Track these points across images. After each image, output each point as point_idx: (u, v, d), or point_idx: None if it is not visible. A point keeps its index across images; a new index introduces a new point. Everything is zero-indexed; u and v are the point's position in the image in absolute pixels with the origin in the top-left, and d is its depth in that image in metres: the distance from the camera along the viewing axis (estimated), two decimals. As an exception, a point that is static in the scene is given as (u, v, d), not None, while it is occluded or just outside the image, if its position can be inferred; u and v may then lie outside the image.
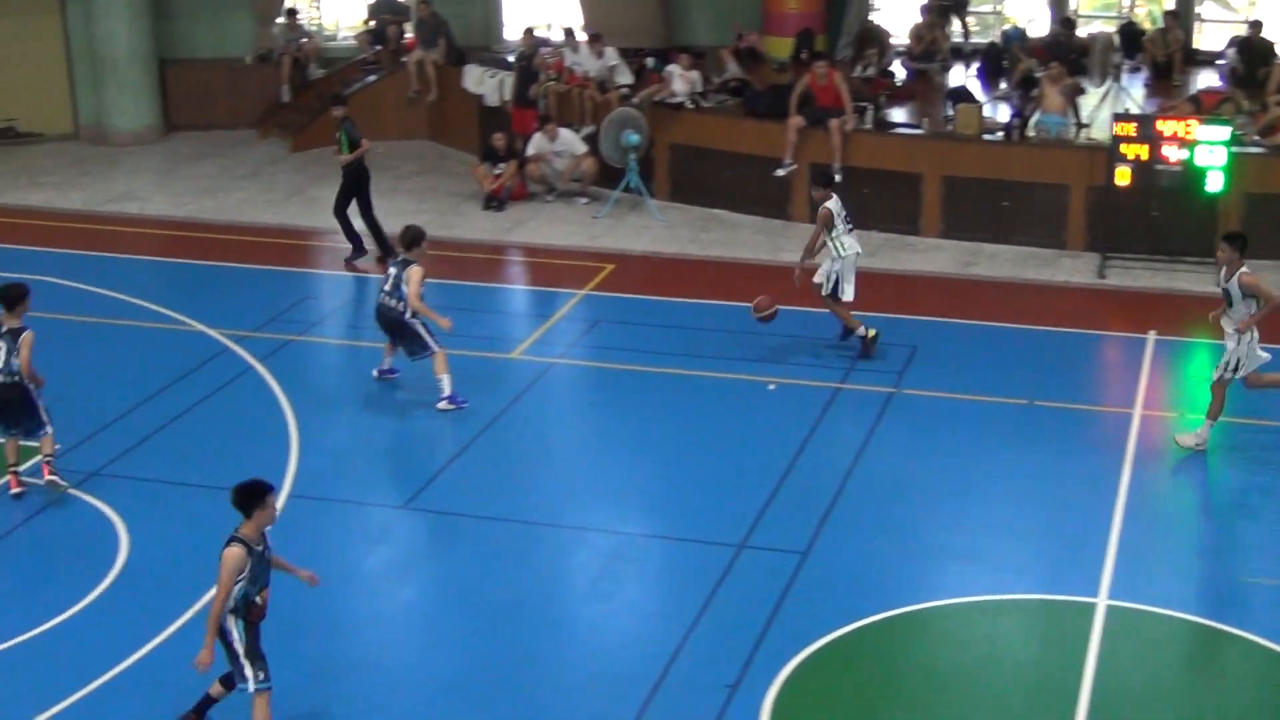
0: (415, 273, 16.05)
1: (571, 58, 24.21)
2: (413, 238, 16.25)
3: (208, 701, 11.12)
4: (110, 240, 21.64)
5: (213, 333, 18.15)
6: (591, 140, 22.95)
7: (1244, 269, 14.78)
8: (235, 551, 10.45)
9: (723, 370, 17.10)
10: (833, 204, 17.20)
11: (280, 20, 27.34)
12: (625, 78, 23.91)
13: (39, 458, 14.39)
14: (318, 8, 29.09)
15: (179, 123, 26.86)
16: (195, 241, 21.61)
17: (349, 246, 20.61)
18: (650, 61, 24.49)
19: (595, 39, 24.26)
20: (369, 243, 20.69)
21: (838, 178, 19.68)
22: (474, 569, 13.34)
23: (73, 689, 11.58)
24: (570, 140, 23.03)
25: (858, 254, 17.35)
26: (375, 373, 16.96)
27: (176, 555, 13.41)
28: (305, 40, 27.26)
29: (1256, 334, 14.93)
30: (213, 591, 10.55)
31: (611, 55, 23.94)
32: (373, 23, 27.53)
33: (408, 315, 16.08)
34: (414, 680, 11.87)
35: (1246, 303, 14.80)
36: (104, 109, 26.18)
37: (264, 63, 27.18)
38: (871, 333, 17.27)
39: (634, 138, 22.18)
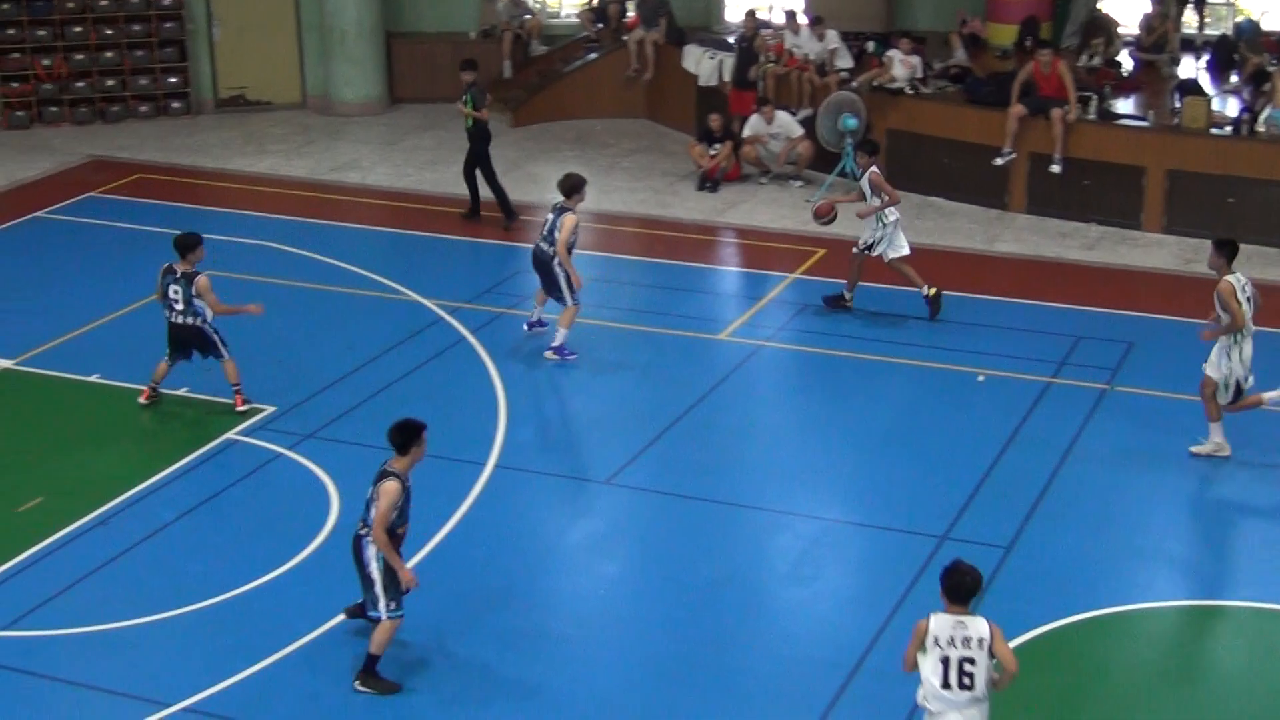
0: (568, 220, 16.39)
1: (792, 40, 24.08)
2: (571, 186, 16.55)
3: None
4: (332, 208, 22.07)
5: (428, 303, 18.43)
6: (808, 123, 22.80)
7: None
8: (393, 486, 11.08)
9: (932, 359, 16.89)
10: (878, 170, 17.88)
11: (504, -3, 27.63)
12: (845, 61, 23.70)
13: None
14: (542, -15, 29.34)
15: (402, 95, 27.30)
16: (414, 212, 21.95)
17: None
18: (871, 46, 24.24)
19: (817, 22, 24.09)
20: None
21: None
22: (674, 547, 13.37)
23: (282, 644, 11.87)
24: (787, 123, 22.92)
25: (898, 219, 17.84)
26: (525, 326, 17.34)
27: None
28: (528, 17, 27.50)
29: None
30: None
31: (833, 38, 23.76)
32: (595, 1, 27.66)
33: (556, 261, 16.36)
34: (611, 655, 11.95)
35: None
36: (331, 80, 26.72)
37: (487, 38, 27.50)
38: (850, 296, 18.09)
39: (852, 122, 21.99)
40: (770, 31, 24.75)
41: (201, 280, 15.38)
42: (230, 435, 15.18)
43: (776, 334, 17.64)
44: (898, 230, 17.90)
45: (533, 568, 13.10)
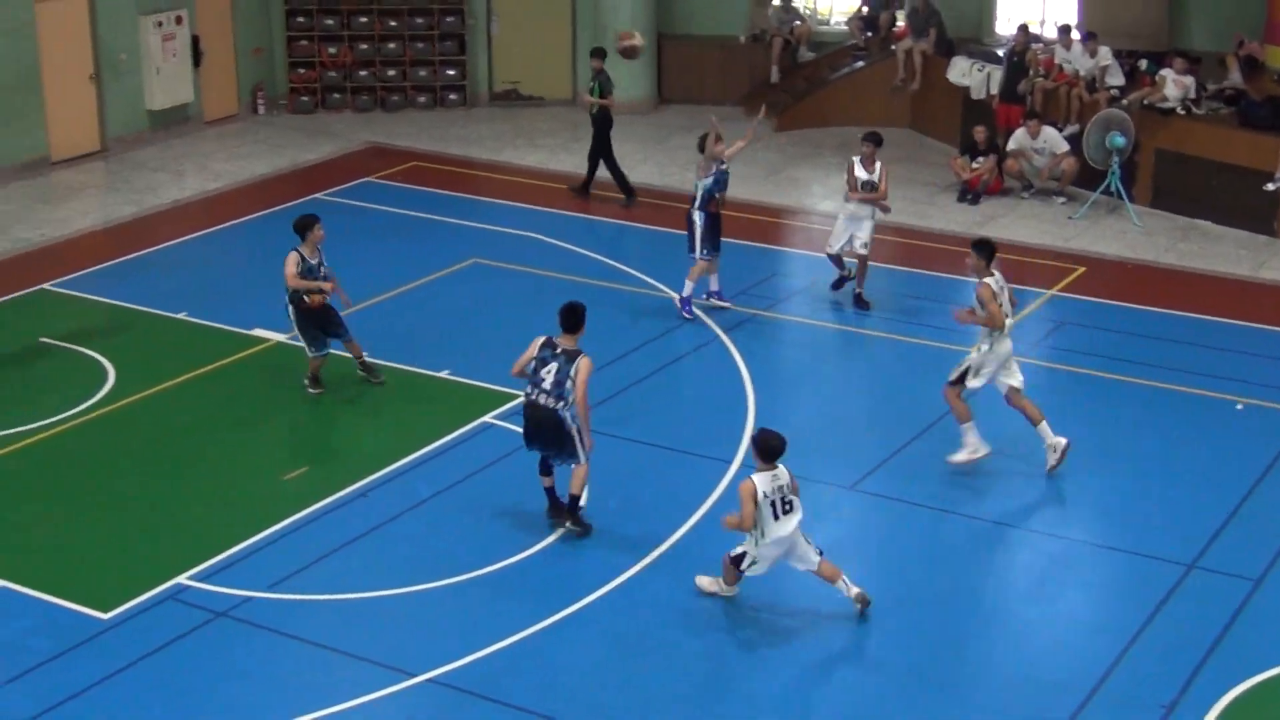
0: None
1: (1063, 55, 23.66)
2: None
3: (555, 497, 13.50)
4: (595, 204, 22.35)
5: (707, 299, 18.51)
6: (1074, 140, 22.40)
7: None
8: (589, 362, 13.04)
9: (1188, 384, 16.48)
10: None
11: (776, 2, 27.68)
12: (1116, 79, 23.21)
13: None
14: (813, -9, 29.33)
15: (670, 95, 27.54)
16: (675, 211, 22.05)
17: (808, 227, 20.83)
18: (1143, 64, 23.69)
19: (1090, 38, 23.63)
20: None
21: None
22: (914, 557, 13.28)
23: (526, 623, 12.11)
24: (1053, 138, 22.54)
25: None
26: (704, 296, 18.11)
27: (635, 506, 13.84)
28: (798, 23, 27.50)
29: None
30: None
31: (1105, 55, 23.28)
32: (866, 9, 27.54)
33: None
34: (841, 658, 11.93)
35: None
36: (602, 78, 27.06)
37: (756, 42, 27.58)
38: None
39: (1120, 140, 21.53)
40: (1041, 46, 24.36)
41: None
42: (487, 419, 15.50)
43: (1031, 349, 17.37)
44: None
45: (776, 567, 13.12)
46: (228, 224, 21.55)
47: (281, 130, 25.95)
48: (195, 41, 25.44)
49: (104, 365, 16.70)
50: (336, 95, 27.15)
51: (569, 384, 12.95)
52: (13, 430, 15.21)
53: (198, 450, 14.99)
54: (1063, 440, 14.62)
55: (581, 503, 13.39)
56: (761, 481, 11.95)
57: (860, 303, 18.54)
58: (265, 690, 11.42)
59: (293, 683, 11.51)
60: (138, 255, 19.91)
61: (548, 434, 13.25)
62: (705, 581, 12.58)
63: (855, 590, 12.24)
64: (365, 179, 23.43)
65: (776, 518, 12.00)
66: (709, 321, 18.01)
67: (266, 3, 26.83)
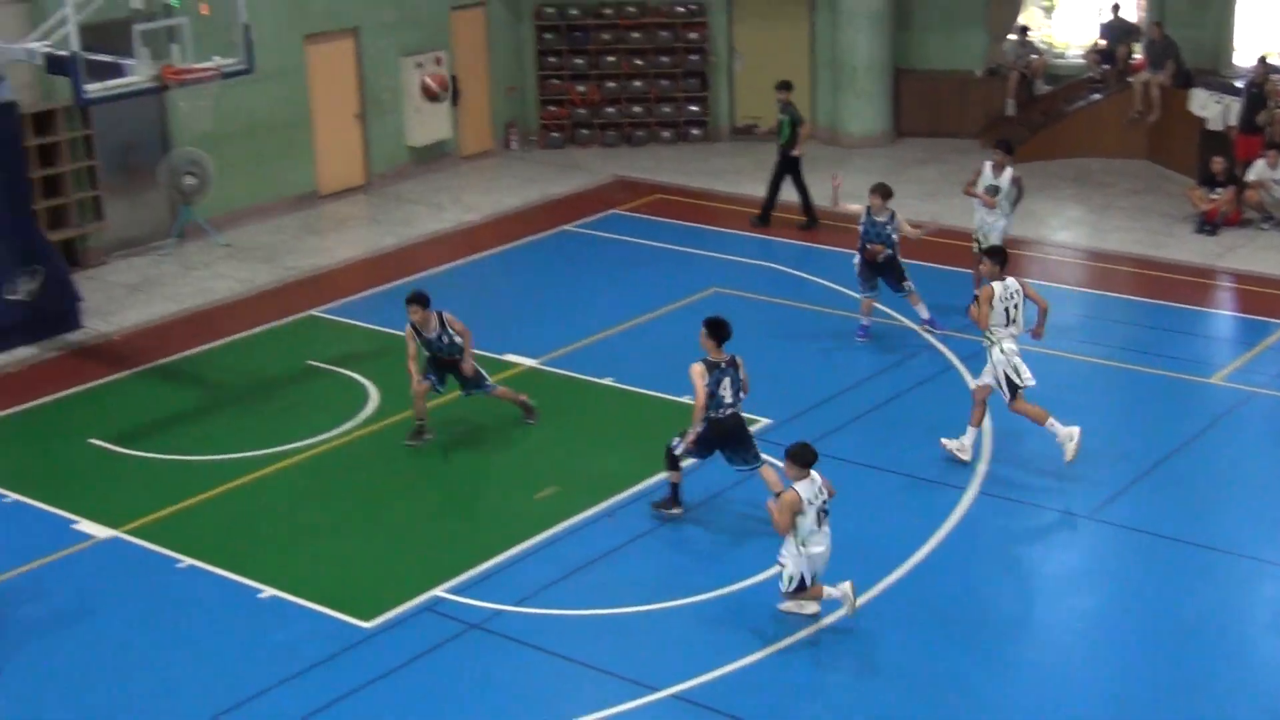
0: (901, 224, 17.71)
1: (1303, 86, 22.90)
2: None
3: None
4: (829, 235, 22.22)
5: (919, 329, 18.38)
6: (1317, 171, 21.64)
7: None
8: (699, 367, 13.56)
9: None
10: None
11: (1012, 37, 27.29)
12: (1359, 109, 22.39)
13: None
14: (1050, 26, 28.83)
15: (907, 129, 27.32)
16: (928, 245, 21.85)
17: (1043, 258, 20.42)
18: (1387, 94, 22.80)
19: (1332, 68, 22.85)
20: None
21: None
22: (1150, 587, 12.93)
23: (764, 643, 12.09)
24: (1292, 169, 21.83)
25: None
26: (919, 327, 18.06)
27: (868, 532, 13.71)
28: (1035, 57, 27.07)
29: None
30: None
31: (1347, 85, 22.47)
32: (1103, 42, 27.00)
33: (897, 252, 17.68)
34: (1077, 687, 11.66)
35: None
36: (839, 112, 27.00)
37: (992, 76, 27.23)
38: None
39: (1362, 171, 20.74)
40: (1280, 77, 23.61)
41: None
42: (727, 443, 15.52)
43: (1273, 381, 16.81)
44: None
45: (1010, 594, 12.92)
46: (481, 254, 21.98)
47: (532, 165, 26.40)
48: (453, 81, 26.04)
49: (366, 387, 17.16)
50: (585, 131, 27.53)
51: (741, 390, 13.78)
52: (284, 447, 15.71)
53: (453, 468, 15.31)
54: (1076, 429, 14.73)
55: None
56: (803, 490, 12.06)
57: None
58: (514, 700, 11.58)
59: (540, 694, 11.66)
60: (398, 283, 20.40)
61: (736, 438, 13.88)
62: (788, 605, 12.47)
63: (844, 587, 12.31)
64: (611, 211, 23.71)
65: (820, 525, 12.13)
66: (944, 350, 17.80)
67: (520, 44, 27.34)
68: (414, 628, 12.49)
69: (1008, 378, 14.75)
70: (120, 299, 20.21)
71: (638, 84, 27.39)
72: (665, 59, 27.25)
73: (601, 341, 18.34)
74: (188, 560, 13.59)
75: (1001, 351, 14.78)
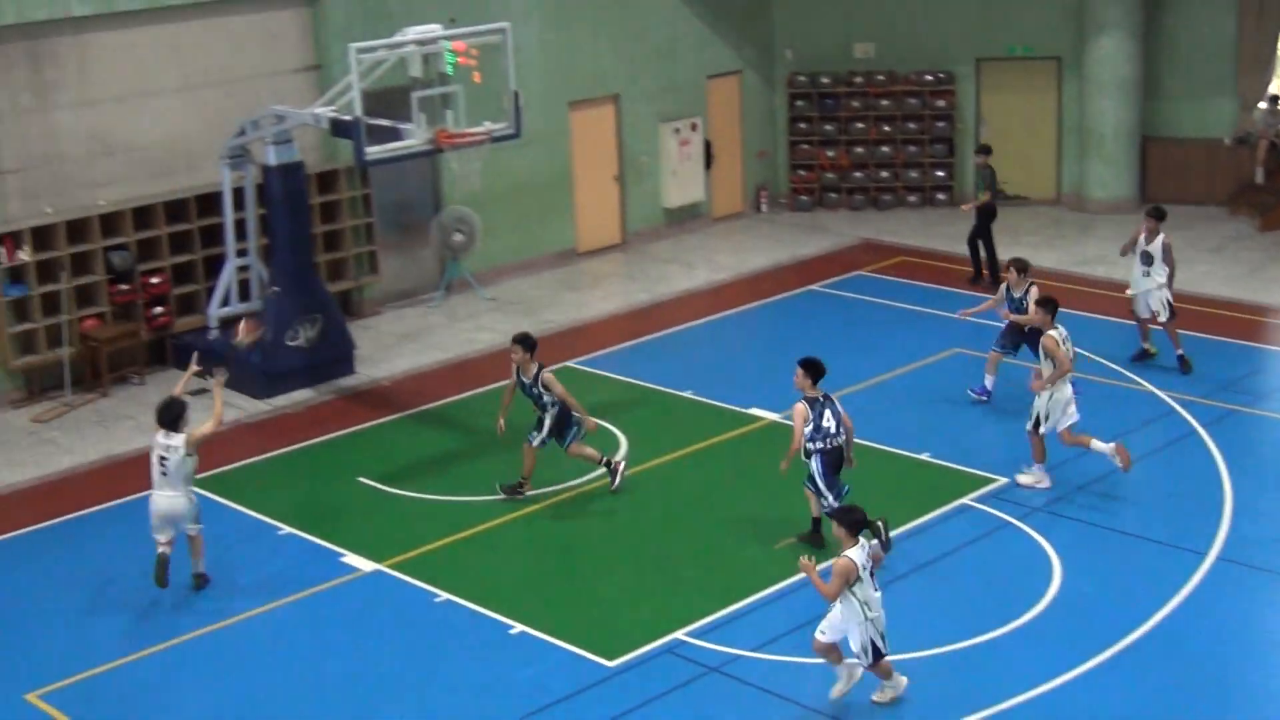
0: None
1: None
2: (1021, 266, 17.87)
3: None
4: (1075, 299, 21.79)
5: (1162, 394, 17.93)
6: None
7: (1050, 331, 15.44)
8: (801, 407, 14.09)
9: None
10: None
11: (1262, 105, 26.49)
12: None
13: None
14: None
15: (1153, 195, 26.63)
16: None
17: None
18: None
19: None
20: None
21: None
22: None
23: (993, 700, 11.88)
24: None
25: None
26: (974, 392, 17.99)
27: (1105, 596, 13.41)
28: (1285, 125, 26.25)
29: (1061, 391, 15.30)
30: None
31: None
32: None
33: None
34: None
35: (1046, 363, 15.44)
36: (1085, 179, 26.53)
37: (1241, 145, 26.44)
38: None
39: None
40: None
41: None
42: (966, 500, 15.36)
43: None
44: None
45: (1251, 663, 12.47)
46: (730, 311, 22.13)
47: (781, 227, 26.50)
48: (707, 146, 26.33)
49: (617, 436, 17.40)
50: (833, 195, 27.55)
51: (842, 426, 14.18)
52: (537, 491, 16.00)
53: (697, 515, 15.41)
54: (1112, 445, 15.23)
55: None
56: (857, 555, 11.66)
57: (1183, 365, 18.69)
58: (751, 743, 11.59)
59: (776, 738, 11.66)
60: (650, 337, 20.67)
61: (839, 466, 14.30)
62: (883, 695, 12.08)
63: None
64: (857, 272, 23.65)
65: (877, 588, 11.79)
66: (1187, 416, 17.31)
67: (772, 110, 27.52)
68: (655, 668, 12.59)
69: (1040, 416, 15.47)
70: (391, 347, 20.87)
71: (885, 149, 27.31)
72: (913, 125, 27.14)
73: (844, 398, 18.13)
74: (444, 595, 13.93)
75: (1052, 396, 15.43)
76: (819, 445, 14.17)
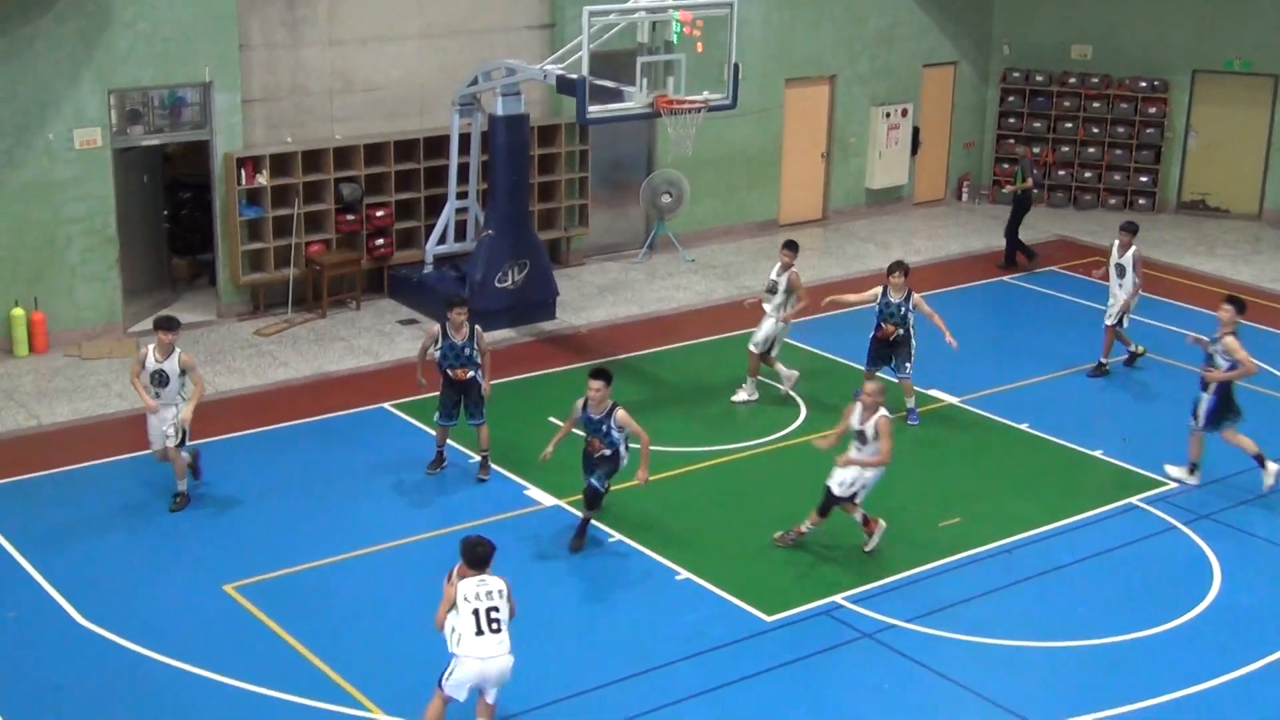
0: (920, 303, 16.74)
1: None
2: None
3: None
4: (1266, 314, 21.05)
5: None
6: None
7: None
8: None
9: None
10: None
11: None
12: None
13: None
14: None
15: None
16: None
17: None
18: None
19: None
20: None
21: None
22: None
23: (1146, 695, 11.62)
24: None
25: None
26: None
27: (1262, 607, 13.00)
28: None
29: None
30: None
31: None
32: None
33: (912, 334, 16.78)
34: None
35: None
36: (1291, 196, 25.60)
37: None
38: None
39: None
40: None
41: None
42: (1133, 500, 15.00)
43: None
44: None
45: None
46: (922, 294, 21.77)
47: (979, 217, 26.04)
48: (915, 132, 25.96)
49: (798, 402, 17.32)
50: (1035, 190, 26.92)
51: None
52: (717, 447, 16.03)
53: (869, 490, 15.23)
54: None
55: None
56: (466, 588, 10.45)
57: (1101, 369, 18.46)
58: (894, 712, 11.50)
59: (920, 709, 11.54)
60: (838, 314, 20.50)
61: None
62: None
63: None
64: (1051, 269, 23.14)
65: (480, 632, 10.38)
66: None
67: (983, 103, 27.01)
68: (811, 628, 12.55)
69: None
70: (592, 297, 21.03)
71: (1091, 150, 26.62)
72: (1122, 129, 26.39)
73: (1024, 388, 17.95)
74: (618, 536, 14.04)
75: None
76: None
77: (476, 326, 15.00)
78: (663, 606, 12.86)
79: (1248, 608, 13.01)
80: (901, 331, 16.68)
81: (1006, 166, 26.91)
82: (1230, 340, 15.03)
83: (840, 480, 13.52)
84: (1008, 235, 23.15)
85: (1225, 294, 16.43)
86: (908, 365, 16.76)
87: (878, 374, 16.42)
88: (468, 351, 14.80)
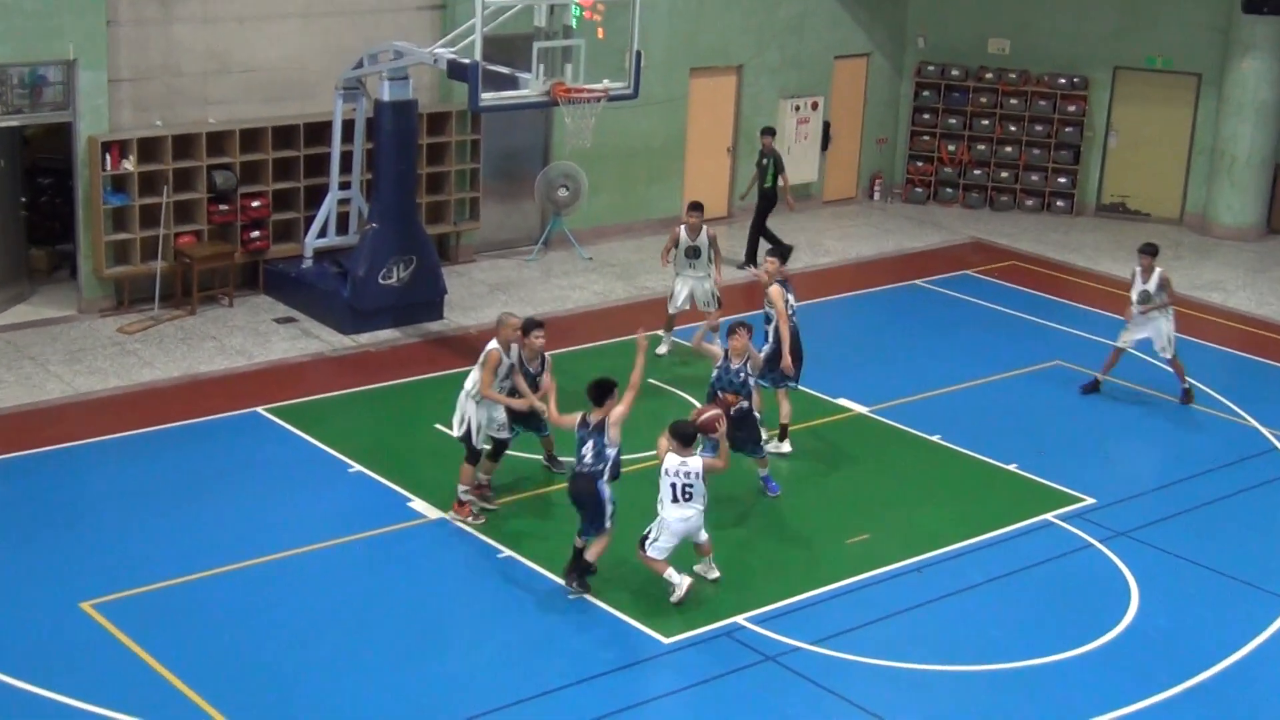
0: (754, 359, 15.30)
1: None
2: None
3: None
4: (1186, 324, 21.39)
5: (1265, 431, 17.56)
6: None
7: None
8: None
9: None
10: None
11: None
12: None
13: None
14: None
15: (1279, 226, 26.18)
16: (1269, 341, 20.98)
17: None
18: None
19: None
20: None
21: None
22: None
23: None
24: None
25: None
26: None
27: (1181, 629, 13.17)
28: None
29: None
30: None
31: None
32: None
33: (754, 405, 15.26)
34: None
35: None
36: (1211, 201, 26.00)
37: (1380, 182, 25.83)
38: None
39: None
40: None
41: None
42: (1049, 517, 15.13)
43: None
44: None
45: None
46: (830, 297, 21.95)
47: (892, 217, 26.24)
48: (826, 127, 26.10)
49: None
50: (949, 190, 27.22)
51: (605, 456, 13.18)
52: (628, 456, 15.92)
53: (769, 504, 15.27)
54: None
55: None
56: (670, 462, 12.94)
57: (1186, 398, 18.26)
58: (799, 737, 11.50)
59: (825, 735, 11.55)
60: (747, 315, 20.53)
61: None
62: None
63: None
64: (964, 271, 23.37)
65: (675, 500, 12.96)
66: (1289, 456, 16.97)
67: (897, 98, 27.22)
68: (711, 651, 12.52)
69: None
70: (482, 297, 20.90)
71: (1008, 150, 26.92)
72: (1039, 128, 26.71)
73: (935, 398, 18.07)
74: (508, 552, 13.93)
75: None
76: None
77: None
78: (554, 627, 12.77)
79: (1166, 630, 13.16)
80: (745, 403, 14.97)
81: (921, 165, 27.15)
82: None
83: None
84: (755, 233, 22.86)
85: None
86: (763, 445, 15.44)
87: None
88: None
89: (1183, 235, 25.96)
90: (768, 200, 22.81)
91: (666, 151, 24.18)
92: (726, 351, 15.03)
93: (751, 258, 22.84)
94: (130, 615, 12.55)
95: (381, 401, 17.38)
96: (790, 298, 16.51)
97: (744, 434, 14.88)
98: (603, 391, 13.21)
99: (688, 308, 18.77)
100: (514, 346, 14.61)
